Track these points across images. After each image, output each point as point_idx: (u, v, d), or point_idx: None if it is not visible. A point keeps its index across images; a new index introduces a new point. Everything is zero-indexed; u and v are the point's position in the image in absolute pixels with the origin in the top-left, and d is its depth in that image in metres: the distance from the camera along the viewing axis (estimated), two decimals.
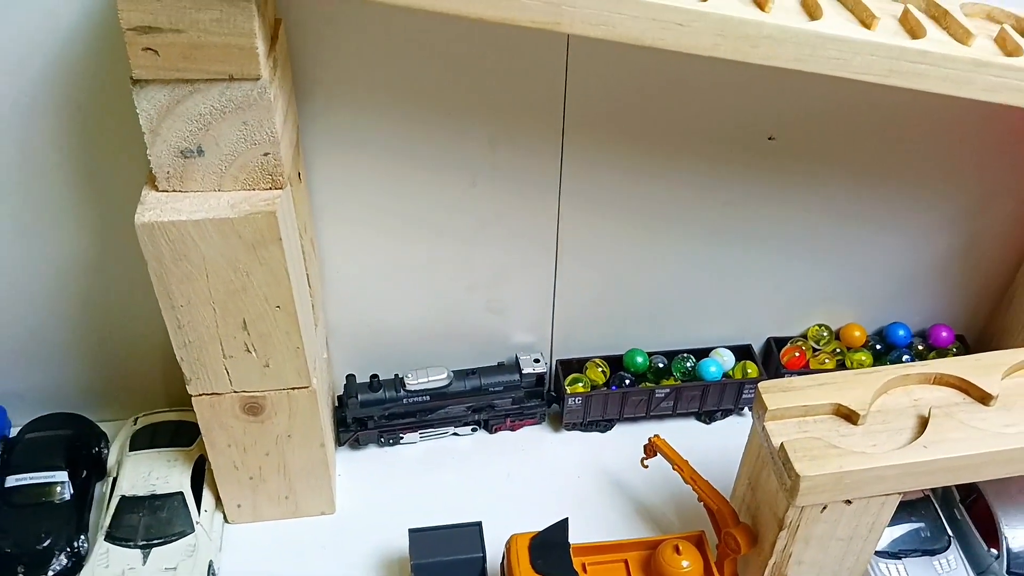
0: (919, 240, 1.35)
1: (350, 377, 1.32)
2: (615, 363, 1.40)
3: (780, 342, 1.44)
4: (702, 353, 1.40)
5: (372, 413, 1.31)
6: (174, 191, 0.95)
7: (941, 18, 1.01)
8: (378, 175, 1.16)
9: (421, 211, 1.21)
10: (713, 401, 1.39)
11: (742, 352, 1.41)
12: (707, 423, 1.42)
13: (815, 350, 1.42)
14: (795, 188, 1.26)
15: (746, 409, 1.42)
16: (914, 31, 0.96)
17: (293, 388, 1.10)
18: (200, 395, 1.09)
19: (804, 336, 1.44)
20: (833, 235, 1.32)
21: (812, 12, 0.94)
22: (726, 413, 1.42)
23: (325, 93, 1.06)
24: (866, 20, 0.95)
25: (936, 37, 0.95)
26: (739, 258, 1.33)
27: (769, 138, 1.20)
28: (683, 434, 1.32)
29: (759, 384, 1.04)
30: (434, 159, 1.16)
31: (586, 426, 1.40)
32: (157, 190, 0.95)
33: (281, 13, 0.98)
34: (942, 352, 1.42)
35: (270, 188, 0.96)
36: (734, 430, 1.40)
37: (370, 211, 1.20)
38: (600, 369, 1.38)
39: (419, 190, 1.18)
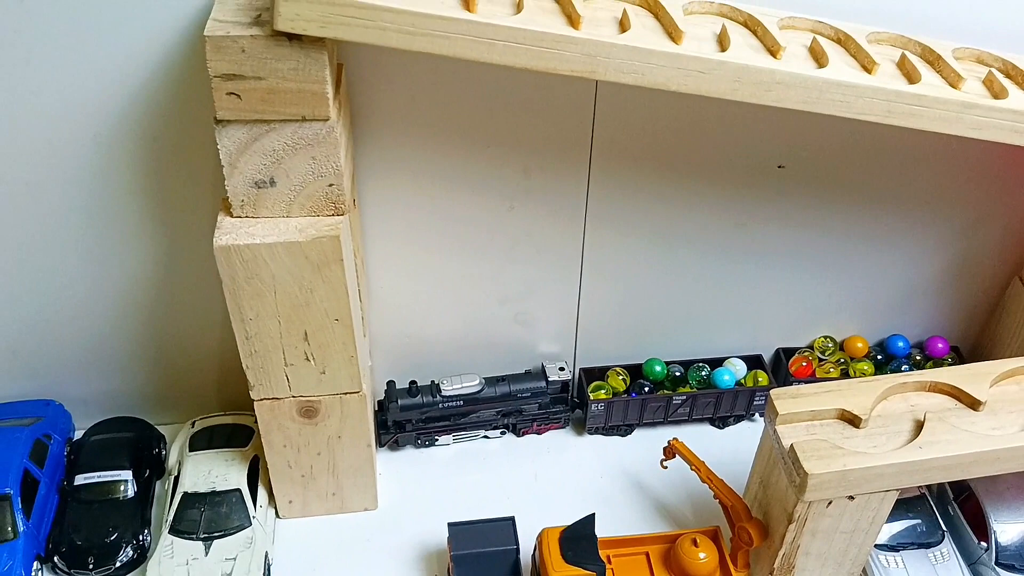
0: (917, 258, 1.46)
1: (390, 383, 1.43)
2: (635, 371, 1.50)
3: (788, 352, 1.54)
4: (716, 363, 1.51)
5: (411, 417, 1.42)
6: (247, 217, 1.06)
7: (935, 62, 1.12)
8: (422, 200, 1.27)
9: (460, 232, 1.32)
10: (726, 407, 1.49)
11: (753, 362, 1.52)
12: (720, 428, 1.53)
13: (821, 360, 1.53)
14: (803, 211, 1.36)
15: (757, 415, 1.53)
16: (910, 75, 1.07)
17: (346, 393, 1.21)
18: (262, 399, 1.20)
19: (811, 347, 1.55)
20: (838, 253, 1.43)
21: (819, 59, 1.05)
22: (739, 419, 1.53)
23: (378, 128, 1.18)
24: (867, 65, 1.06)
25: (930, 81, 1.06)
26: (750, 274, 1.44)
27: (779, 166, 1.31)
28: (698, 438, 1.42)
29: (771, 391, 1.15)
30: (474, 185, 1.27)
31: (608, 430, 1.51)
32: (232, 216, 1.06)
33: (342, 59, 1.10)
34: (938, 362, 1.53)
35: (333, 214, 1.07)
36: (746, 434, 1.51)
37: (413, 231, 1.31)
38: (621, 377, 1.48)
39: (460, 213, 1.29)
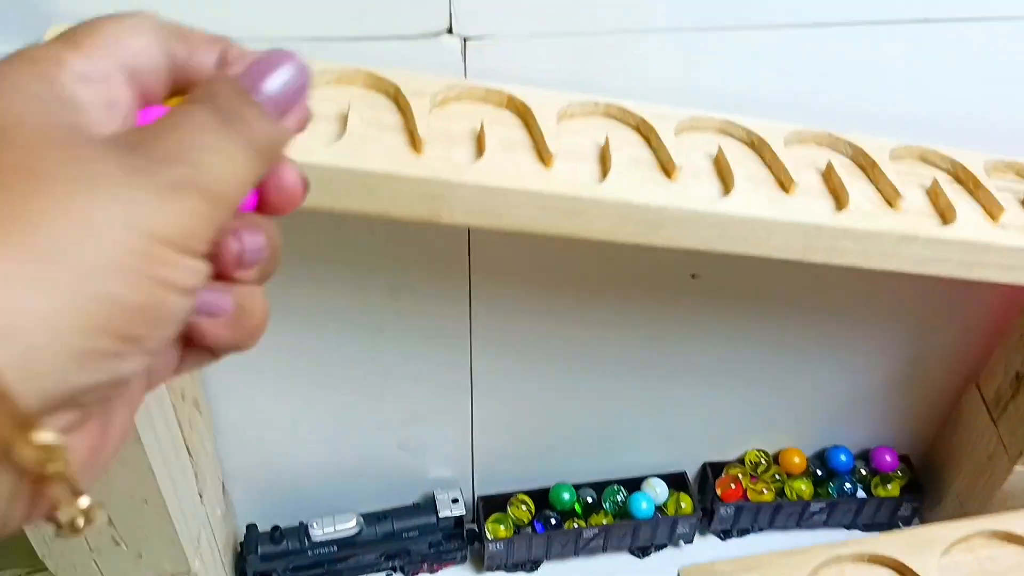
0: (859, 366, 1.27)
1: (251, 528, 1.22)
2: (542, 497, 1.31)
3: (716, 468, 1.35)
4: (634, 484, 1.32)
5: (274, 567, 1.21)
6: None
7: (869, 169, 0.93)
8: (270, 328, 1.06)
9: (321, 359, 1.12)
10: (646, 537, 1.30)
11: (676, 482, 1.33)
12: (641, 557, 1.34)
13: (753, 477, 1.34)
14: (722, 322, 1.17)
15: (681, 542, 1.34)
16: (836, 193, 0.88)
17: (172, 575, 1.00)
18: None
19: (741, 461, 1.36)
20: (766, 364, 1.24)
21: (724, 178, 0.85)
22: (660, 547, 1.34)
23: None
24: (784, 182, 0.86)
25: (859, 203, 0.86)
26: (667, 389, 1.25)
27: (692, 276, 1.11)
28: (616, 570, 1.25)
29: (680, 570, 0.95)
30: (332, 310, 1.06)
31: (511, 568, 1.31)
32: None
33: None
34: (886, 477, 1.34)
35: None
36: (671, 562, 1.32)
37: (263, 360, 1.10)
38: (524, 507, 1.29)
39: (316, 340, 1.09)
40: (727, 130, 0.92)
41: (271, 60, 0.35)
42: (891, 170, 0.92)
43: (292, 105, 0.36)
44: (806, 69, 0.94)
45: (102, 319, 0.28)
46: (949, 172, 0.97)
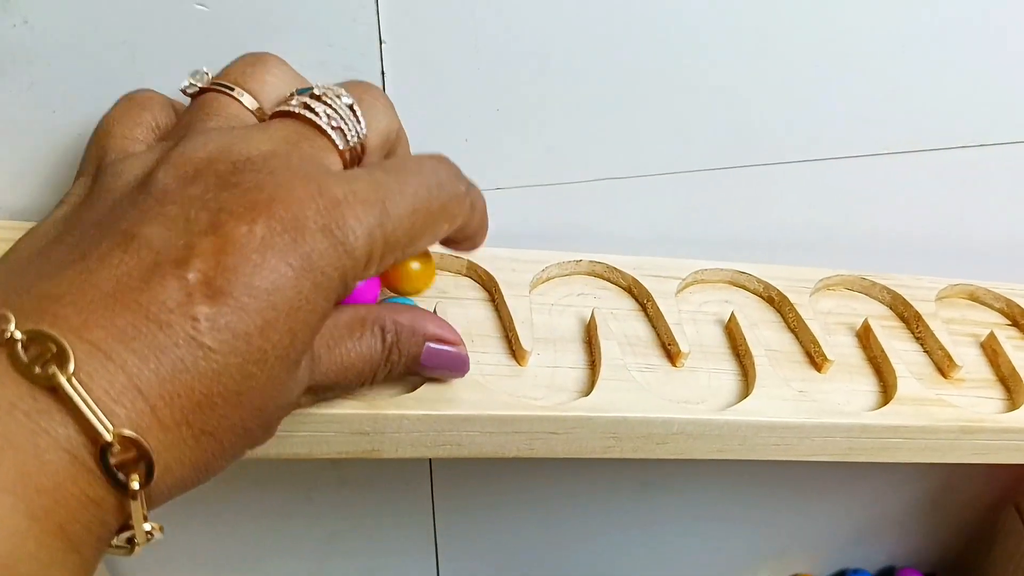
0: (880, 492, 1.11)
1: None
2: None
3: None
4: None
5: None
6: None
7: (912, 322, 0.76)
8: (180, 511, 0.88)
9: (250, 533, 0.94)
10: None
11: None
12: None
13: None
14: (725, 465, 1.00)
15: None
16: (880, 368, 0.71)
17: None
18: None
19: None
20: (777, 495, 1.08)
21: (743, 358, 0.68)
22: None
23: None
24: (817, 361, 0.69)
25: (906, 375, 0.69)
26: (665, 528, 1.08)
27: None
28: None
29: None
30: (253, 481, 0.88)
31: None
32: None
33: None
34: None
35: None
36: None
37: (179, 545, 0.92)
38: None
39: (241, 514, 0.91)
40: (739, 281, 0.75)
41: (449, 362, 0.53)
42: (939, 322, 0.75)
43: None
44: (826, 201, 0.77)
45: None
46: (1006, 314, 0.80)
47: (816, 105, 0.70)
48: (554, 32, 0.61)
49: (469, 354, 0.60)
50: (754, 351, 0.67)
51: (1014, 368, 0.72)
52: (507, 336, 0.65)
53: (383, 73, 0.60)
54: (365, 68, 0.59)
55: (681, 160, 0.71)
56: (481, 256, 0.69)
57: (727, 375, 0.68)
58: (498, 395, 0.59)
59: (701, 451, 0.64)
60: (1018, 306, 0.80)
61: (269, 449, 0.57)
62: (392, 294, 0.60)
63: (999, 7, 0.67)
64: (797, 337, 0.72)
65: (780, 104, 0.70)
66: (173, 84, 0.50)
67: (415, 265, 0.59)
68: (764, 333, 0.72)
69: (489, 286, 0.68)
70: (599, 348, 0.65)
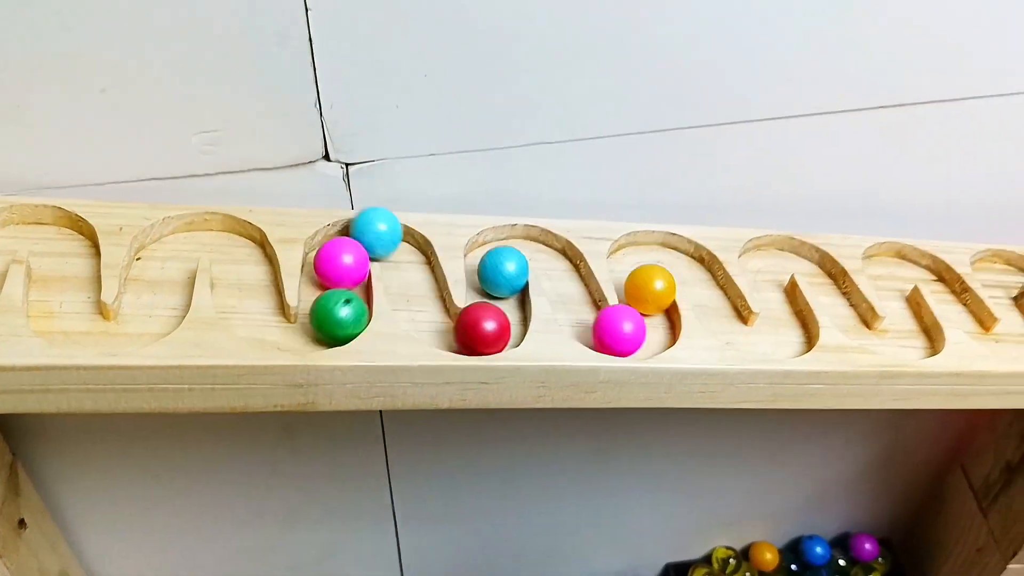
0: (833, 451, 1.14)
1: None
2: None
3: (681, 568, 1.21)
4: None
5: None
6: None
7: (839, 278, 0.79)
8: (146, 479, 0.90)
9: (211, 507, 0.96)
10: None
11: None
12: None
13: None
14: (678, 431, 1.03)
15: None
16: (804, 320, 0.73)
17: None
18: None
19: (708, 560, 1.22)
20: (730, 455, 1.10)
21: (671, 314, 0.70)
22: None
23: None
24: (742, 312, 0.72)
25: (830, 326, 0.72)
26: (620, 496, 1.11)
27: None
28: None
29: None
30: (211, 457, 0.90)
31: None
32: None
33: None
34: (867, 567, 1.22)
35: None
36: None
37: (143, 519, 0.94)
38: None
39: (202, 488, 0.93)
40: (670, 243, 0.78)
41: None
42: (865, 278, 0.78)
43: None
44: (755, 165, 0.79)
45: None
46: (931, 270, 0.83)
47: (745, 68, 0.73)
48: None
49: (407, 313, 0.63)
50: (681, 306, 0.70)
51: (936, 319, 0.75)
52: (442, 296, 0.68)
53: (311, 40, 0.62)
54: (295, 35, 0.61)
55: (615, 124, 0.74)
56: (417, 221, 0.71)
57: (656, 329, 0.70)
58: (429, 347, 0.61)
59: (628, 399, 0.67)
60: (943, 262, 0.83)
61: (208, 402, 0.59)
62: None
63: None
64: (726, 293, 0.75)
65: (711, 68, 0.72)
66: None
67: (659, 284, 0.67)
68: (694, 290, 0.74)
69: (425, 250, 0.71)
70: (531, 304, 0.67)
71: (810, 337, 0.72)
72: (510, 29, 0.66)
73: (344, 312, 0.58)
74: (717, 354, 0.67)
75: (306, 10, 0.61)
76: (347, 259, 0.63)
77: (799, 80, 0.75)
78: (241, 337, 0.60)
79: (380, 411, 0.92)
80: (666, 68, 0.72)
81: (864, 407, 0.72)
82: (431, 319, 0.66)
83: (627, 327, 0.64)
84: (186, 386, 0.58)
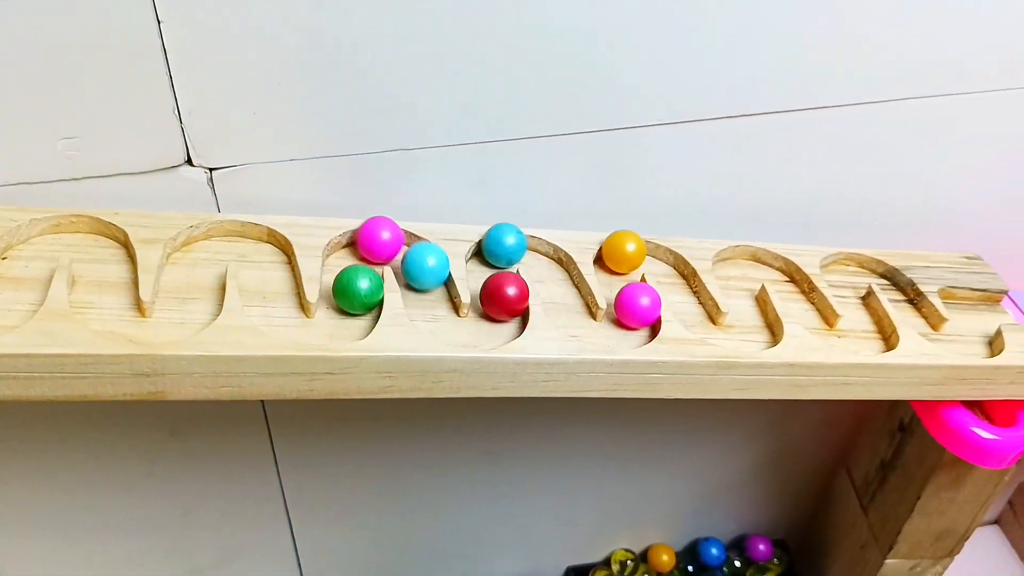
0: (723, 454, 1.18)
1: None
2: None
3: (581, 571, 1.25)
4: None
5: None
6: None
7: (690, 278, 0.83)
8: (32, 488, 0.93)
9: (102, 509, 0.98)
10: None
11: None
12: None
13: None
14: (568, 434, 1.07)
15: None
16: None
17: None
18: None
19: (607, 563, 1.26)
20: (624, 458, 1.14)
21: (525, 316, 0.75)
22: None
23: None
24: (591, 306, 0.76)
25: (674, 320, 0.76)
26: (514, 499, 1.14)
27: None
28: None
29: None
30: (94, 459, 0.93)
31: None
32: None
33: None
34: (761, 568, 1.26)
35: None
36: None
37: (36, 522, 0.96)
38: None
39: (95, 491, 0.95)
40: (532, 246, 0.82)
41: None
42: (714, 279, 0.82)
43: None
44: (609, 173, 0.84)
45: None
46: (782, 269, 0.88)
47: (575, 78, 0.77)
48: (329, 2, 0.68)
49: (262, 309, 0.66)
50: (531, 303, 0.74)
51: (778, 315, 0.80)
52: (298, 292, 0.71)
53: (164, 50, 0.66)
54: (149, 45, 0.65)
55: (473, 132, 0.78)
56: (280, 223, 0.75)
57: (507, 325, 0.74)
58: (274, 338, 0.65)
59: (477, 388, 0.71)
60: (794, 263, 0.87)
61: (57, 391, 0.62)
62: None
63: None
64: (579, 291, 0.79)
65: (542, 78, 0.76)
66: None
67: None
68: (550, 288, 0.79)
69: (287, 250, 0.74)
70: (385, 299, 0.71)
71: (654, 332, 0.76)
72: (364, 40, 0.70)
73: (363, 284, 0.67)
74: (559, 344, 0.71)
75: (158, 22, 0.65)
76: (385, 235, 0.73)
77: (644, 91, 0.80)
78: (93, 329, 0.63)
79: (264, 413, 0.95)
80: (518, 76, 0.76)
81: (706, 396, 0.76)
82: (285, 314, 0.70)
83: (644, 301, 0.73)
84: (36, 374, 0.61)
